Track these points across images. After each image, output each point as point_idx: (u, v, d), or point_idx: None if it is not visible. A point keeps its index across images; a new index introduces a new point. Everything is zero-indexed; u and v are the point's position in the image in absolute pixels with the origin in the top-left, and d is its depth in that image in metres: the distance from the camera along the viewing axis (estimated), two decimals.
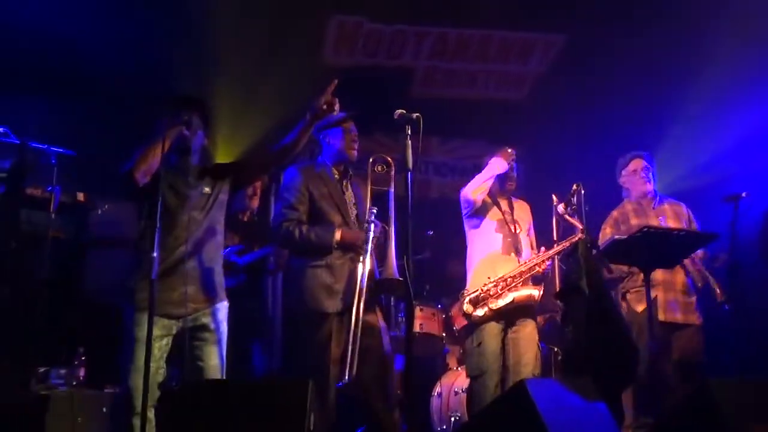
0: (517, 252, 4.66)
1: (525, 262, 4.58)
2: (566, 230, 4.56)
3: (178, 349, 3.54)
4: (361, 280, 3.86)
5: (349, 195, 4.15)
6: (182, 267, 3.52)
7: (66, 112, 5.98)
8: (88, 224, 5.52)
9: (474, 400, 4.73)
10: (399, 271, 3.74)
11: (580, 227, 4.39)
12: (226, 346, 3.67)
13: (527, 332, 4.59)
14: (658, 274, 4.84)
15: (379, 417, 3.90)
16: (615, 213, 5.19)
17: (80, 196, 5.29)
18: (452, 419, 5.33)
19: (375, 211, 3.98)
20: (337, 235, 3.93)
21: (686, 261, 4.90)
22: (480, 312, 4.52)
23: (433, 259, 6.40)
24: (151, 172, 3.46)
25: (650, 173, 5.18)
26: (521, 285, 4.55)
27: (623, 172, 5.26)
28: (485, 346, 4.51)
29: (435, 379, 5.74)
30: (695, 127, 6.53)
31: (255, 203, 5.45)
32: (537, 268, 4.55)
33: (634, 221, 5.02)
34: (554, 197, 4.59)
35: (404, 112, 3.50)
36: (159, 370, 3.47)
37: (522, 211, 4.86)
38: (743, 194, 4.76)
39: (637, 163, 5.21)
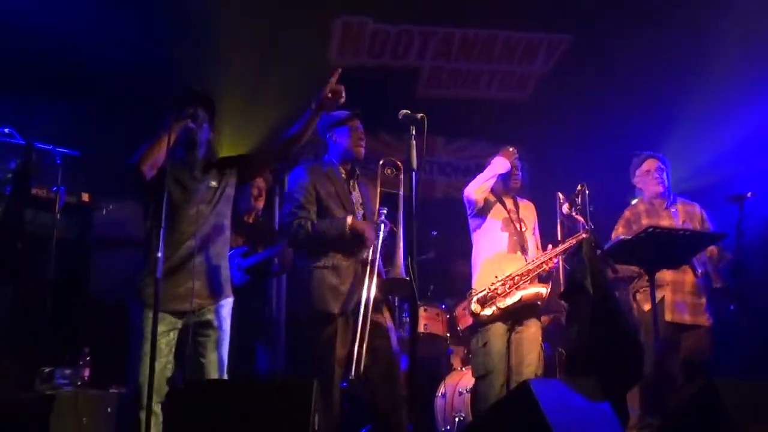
0: (523, 250, 4.65)
1: (532, 260, 4.56)
2: (571, 230, 4.55)
3: (181, 345, 3.55)
4: (370, 281, 3.86)
5: (357, 195, 4.14)
6: (189, 262, 3.51)
7: (71, 112, 5.99)
8: (92, 224, 5.54)
9: (479, 400, 4.72)
10: (405, 272, 3.74)
11: (585, 226, 4.38)
12: (230, 347, 3.67)
13: (531, 333, 4.58)
14: (667, 275, 4.84)
15: (385, 417, 3.90)
16: (627, 213, 5.19)
17: (85, 197, 5.31)
18: (456, 420, 5.33)
19: (385, 211, 3.99)
20: (349, 220, 3.93)
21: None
22: (488, 311, 4.50)
23: (438, 259, 6.39)
24: (157, 166, 3.46)
25: (664, 174, 5.17)
26: (529, 283, 4.54)
27: (637, 173, 5.26)
28: (491, 345, 4.50)
29: (439, 379, 5.72)
30: (700, 127, 6.52)
31: (260, 204, 5.45)
32: (544, 266, 4.53)
33: (645, 221, 5.01)
34: (559, 195, 4.58)
35: (409, 112, 3.50)
36: (167, 365, 3.49)
37: (527, 210, 4.85)
38: (748, 194, 4.75)
39: (650, 164, 5.20)
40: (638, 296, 4.97)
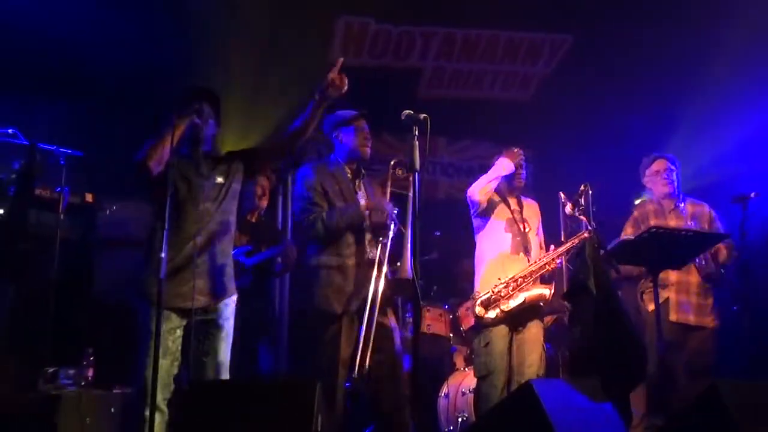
0: (527, 251, 4.63)
1: (535, 262, 4.56)
2: (574, 231, 4.55)
3: (186, 343, 3.54)
4: (376, 281, 3.86)
5: (362, 194, 4.15)
6: (194, 260, 3.50)
7: (71, 113, 6.00)
8: (96, 225, 5.54)
9: (481, 400, 4.72)
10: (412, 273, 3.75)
11: (588, 226, 4.38)
12: (233, 346, 3.67)
13: (533, 333, 4.58)
14: (673, 275, 4.85)
15: (388, 416, 3.90)
16: (636, 213, 5.21)
17: (88, 197, 5.31)
18: (459, 420, 5.32)
19: (396, 212, 3.99)
20: (363, 202, 3.93)
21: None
22: (492, 314, 4.49)
23: (441, 259, 6.40)
24: (163, 162, 3.44)
25: (673, 174, 5.17)
26: (532, 285, 4.54)
27: (646, 173, 5.27)
28: (493, 346, 4.50)
29: (442, 379, 5.72)
30: (702, 127, 6.52)
31: (264, 203, 5.45)
32: (547, 267, 4.53)
33: (653, 221, 5.01)
34: (562, 195, 4.57)
35: (411, 112, 3.50)
36: (174, 362, 3.49)
37: (531, 210, 4.83)
38: (752, 194, 4.75)
39: (660, 164, 5.21)
40: (645, 297, 4.98)
